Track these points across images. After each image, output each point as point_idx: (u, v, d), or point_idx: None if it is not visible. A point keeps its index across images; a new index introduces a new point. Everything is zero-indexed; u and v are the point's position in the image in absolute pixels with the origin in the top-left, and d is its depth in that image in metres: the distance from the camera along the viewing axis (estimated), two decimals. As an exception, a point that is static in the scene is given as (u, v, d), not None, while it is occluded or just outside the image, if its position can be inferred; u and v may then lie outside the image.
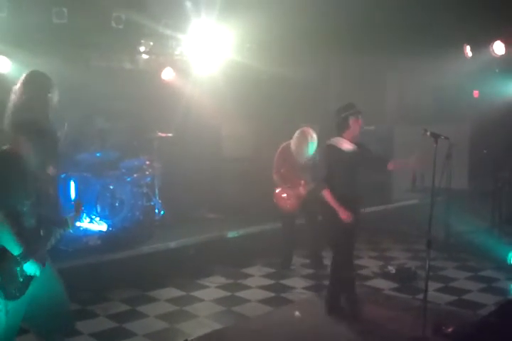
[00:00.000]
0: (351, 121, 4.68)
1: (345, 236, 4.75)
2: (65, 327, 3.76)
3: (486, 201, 7.67)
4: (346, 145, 4.71)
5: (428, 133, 4.37)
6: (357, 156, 4.73)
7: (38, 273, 3.40)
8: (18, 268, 3.36)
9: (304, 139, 6.12)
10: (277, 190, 6.35)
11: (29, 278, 3.43)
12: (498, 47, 7.56)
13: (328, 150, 4.82)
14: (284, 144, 6.39)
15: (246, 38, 7.73)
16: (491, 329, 4.11)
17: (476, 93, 8.53)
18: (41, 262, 3.41)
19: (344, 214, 4.62)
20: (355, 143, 4.76)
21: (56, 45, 6.69)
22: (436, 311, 4.83)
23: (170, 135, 7.50)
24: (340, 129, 4.74)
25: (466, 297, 5.65)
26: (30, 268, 3.36)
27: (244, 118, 8.42)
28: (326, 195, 4.69)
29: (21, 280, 3.37)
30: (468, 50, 7.90)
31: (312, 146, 6.15)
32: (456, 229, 7.36)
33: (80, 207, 3.89)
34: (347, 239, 4.78)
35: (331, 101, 9.09)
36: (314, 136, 6.19)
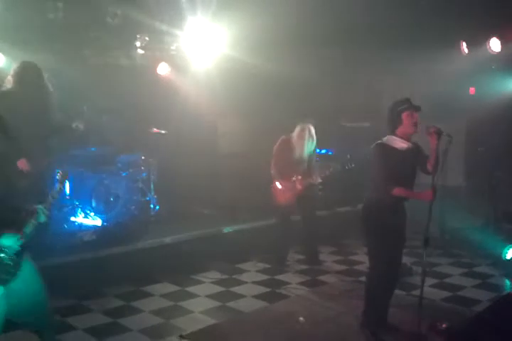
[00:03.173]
0: (404, 115, 4.27)
1: (396, 244, 4.41)
2: (47, 325, 3.73)
3: (482, 198, 7.68)
4: (400, 144, 4.30)
5: (431, 130, 4.20)
6: (412, 155, 4.35)
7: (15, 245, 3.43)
8: (3, 255, 3.37)
9: (303, 135, 6.21)
10: (274, 184, 6.36)
11: (18, 261, 3.43)
12: (495, 44, 7.53)
13: (380, 150, 4.33)
14: (283, 138, 6.39)
15: (242, 34, 7.69)
16: (486, 325, 4.09)
17: (472, 90, 8.51)
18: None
19: (429, 195, 4.13)
20: (411, 142, 4.36)
21: (51, 40, 6.67)
22: (431, 307, 4.83)
23: (165, 132, 7.49)
24: (393, 126, 4.33)
25: (460, 293, 5.67)
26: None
27: (241, 114, 8.41)
28: (400, 192, 4.22)
29: (11, 263, 3.40)
30: (464, 47, 7.88)
31: (311, 143, 6.24)
32: (452, 226, 7.38)
33: (65, 178, 3.84)
34: (396, 249, 4.46)
35: (327, 97, 9.08)
36: (313, 132, 6.25)
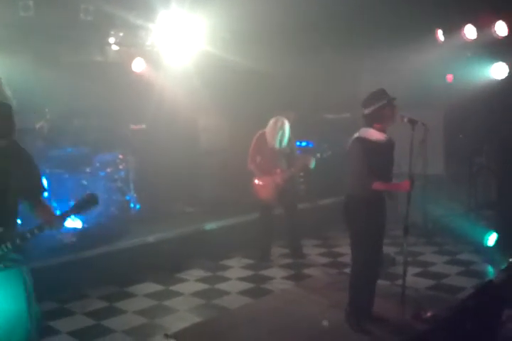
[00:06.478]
0: (386, 109, 4.24)
1: (377, 235, 4.42)
2: None
3: (462, 186, 7.72)
4: (378, 136, 4.26)
5: (405, 120, 4.29)
6: (390, 147, 4.35)
7: None
8: None
9: (275, 127, 6.17)
10: (254, 180, 6.32)
11: None
12: (470, 32, 7.55)
13: (359, 145, 4.26)
14: (259, 133, 6.38)
15: (219, 28, 7.62)
16: (470, 312, 4.12)
17: (449, 78, 8.52)
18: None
19: (406, 186, 4.19)
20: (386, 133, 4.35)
21: (24, 39, 6.55)
22: (415, 296, 4.87)
23: (143, 126, 7.40)
24: (372, 119, 4.26)
25: (444, 281, 5.71)
26: None
27: (220, 110, 8.33)
28: (379, 186, 4.20)
29: None
30: (440, 35, 7.88)
31: (284, 134, 6.18)
32: (434, 214, 7.42)
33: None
34: (378, 239, 4.46)
35: (307, 89, 9.04)
36: (287, 123, 6.22)
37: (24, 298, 3.24)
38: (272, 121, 6.24)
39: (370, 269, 4.47)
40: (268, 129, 6.24)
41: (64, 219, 3.38)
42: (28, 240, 3.19)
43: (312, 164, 6.19)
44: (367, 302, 4.55)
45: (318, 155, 6.27)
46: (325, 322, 4.62)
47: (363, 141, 4.27)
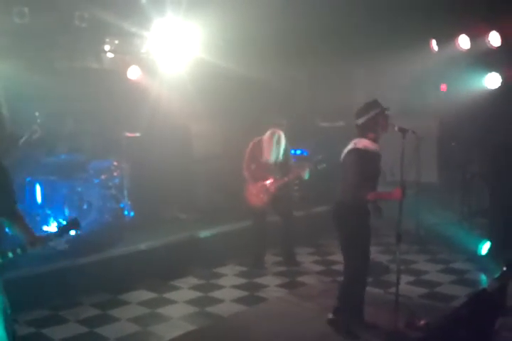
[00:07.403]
0: (379, 118, 4.31)
1: (367, 239, 4.48)
2: None
3: (456, 194, 7.77)
4: (372, 147, 4.33)
5: (396, 128, 4.34)
6: (380, 157, 4.41)
7: None
8: None
9: (271, 141, 6.21)
10: (248, 187, 6.34)
11: None
12: (463, 42, 7.62)
13: (357, 157, 4.29)
14: (255, 140, 6.40)
15: (214, 36, 7.65)
16: (462, 321, 4.13)
17: (443, 87, 8.60)
18: None
19: (398, 194, 4.20)
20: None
21: (19, 46, 6.56)
22: (408, 304, 4.86)
23: (137, 135, 7.41)
24: (367, 128, 4.32)
25: (437, 289, 5.72)
26: None
27: (214, 117, 8.36)
28: (373, 196, 4.29)
29: None
30: (434, 45, 7.96)
31: (280, 149, 6.24)
32: (427, 222, 7.45)
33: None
34: (366, 247, 4.51)
35: (299, 98, 9.09)
36: (283, 137, 6.27)
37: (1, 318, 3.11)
38: (268, 134, 6.26)
39: (361, 275, 4.52)
40: (265, 143, 6.26)
41: (46, 242, 3.32)
42: (10, 259, 3.12)
43: (306, 175, 6.24)
44: (358, 309, 4.56)
45: (325, 165, 6.28)
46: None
47: (360, 152, 4.30)
